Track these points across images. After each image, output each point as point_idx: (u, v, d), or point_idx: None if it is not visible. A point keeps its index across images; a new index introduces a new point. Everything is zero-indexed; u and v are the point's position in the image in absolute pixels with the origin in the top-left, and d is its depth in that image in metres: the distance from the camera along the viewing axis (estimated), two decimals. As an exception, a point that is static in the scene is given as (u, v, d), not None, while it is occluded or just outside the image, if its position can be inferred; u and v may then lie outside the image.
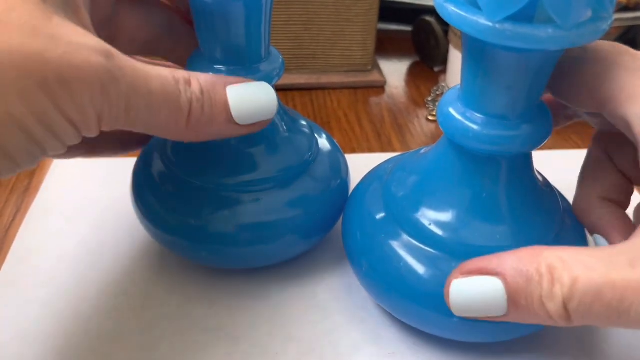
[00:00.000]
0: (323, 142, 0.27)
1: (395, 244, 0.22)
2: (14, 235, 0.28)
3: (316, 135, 0.27)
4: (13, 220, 0.30)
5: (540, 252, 0.17)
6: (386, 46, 0.49)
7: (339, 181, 0.26)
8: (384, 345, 0.24)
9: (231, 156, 0.24)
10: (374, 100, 0.42)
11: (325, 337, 0.24)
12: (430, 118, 0.40)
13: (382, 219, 0.23)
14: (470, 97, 0.20)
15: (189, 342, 0.24)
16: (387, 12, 0.50)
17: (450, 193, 0.22)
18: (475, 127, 0.20)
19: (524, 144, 0.20)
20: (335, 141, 0.28)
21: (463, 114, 0.20)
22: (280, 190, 0.24)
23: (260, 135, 0.23)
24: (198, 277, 0.27)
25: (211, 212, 0.24)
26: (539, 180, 0.23)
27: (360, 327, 0.25)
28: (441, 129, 0.21)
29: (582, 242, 0.23)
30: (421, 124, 0.40)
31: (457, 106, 0.21)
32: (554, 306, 0.17)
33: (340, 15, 0.41)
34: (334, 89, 0.43)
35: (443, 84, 0.44)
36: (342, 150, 0.28)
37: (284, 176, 0.24)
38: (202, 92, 0.19)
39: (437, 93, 0.43)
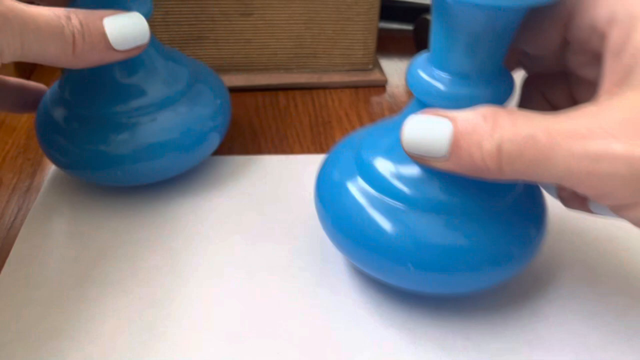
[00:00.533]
0: (201, 69, 0.32)
1: (363, 201, 0.23)
2: (16, 235, 0.29)
3: (193, 64, 0.32)
4: (14, 219, 0.30)
5: (496, 107, 0.19)
6: (387, 45, 0.49)
7: (220, 100, 0.31)
8: (384, 345, 0.24)
9: (120, 88, 0.28)
10: (375, 99, 0.42)
11: (326, 337, 0.24)
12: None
13: (353, 178, 0.24)
14: (437, 57, 0.21)
15: (191, 342, 0.24)
16: (388, 11, 0.50)
17: None
18: (440, 85, 0.21)
19: (486, 103, 0.20)
20: (211, 70, 0.33)
21: (430, 74, 0.22)
22: (167, 112, 0.29)
23: (143, 67, 0.28)
24: (198, 275, 0.27)
25: (114, 137, 0.28)
26: None
27: (360, 327, 0.25)
28: (410, 89, 0.22)
29: (539, 205, 0.25)
30: (422, 123, 0.40)
31: (425, 66, 0.22)
32: (488, 146, 0.18)
33: (341, 14, 0.41)
34: (335, 88, 0.43)
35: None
36: (217, 75, 0.34)
37: (169, 100, 0.29)
38: (81, 24, 0.23)
39: (439, 92, 0.43)
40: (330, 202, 0.25)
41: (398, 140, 0.21)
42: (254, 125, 0.38)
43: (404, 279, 0.23)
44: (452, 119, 0.19)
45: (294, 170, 0.34)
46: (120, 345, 0.24)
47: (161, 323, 0.25)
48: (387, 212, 0.23)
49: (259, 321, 0.25)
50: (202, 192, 0.32)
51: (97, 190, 0.32)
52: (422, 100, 0.22)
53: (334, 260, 0.28)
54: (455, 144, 0.19)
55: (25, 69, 0.42)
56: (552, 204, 0.25)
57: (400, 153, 0.22)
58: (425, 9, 0.51)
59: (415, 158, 0.21)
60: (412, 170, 0.22)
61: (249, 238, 0.29)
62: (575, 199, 0.23)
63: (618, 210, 0.19)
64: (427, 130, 0.20)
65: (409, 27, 0.50)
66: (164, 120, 0.28)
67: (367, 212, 0.23)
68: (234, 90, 0.42)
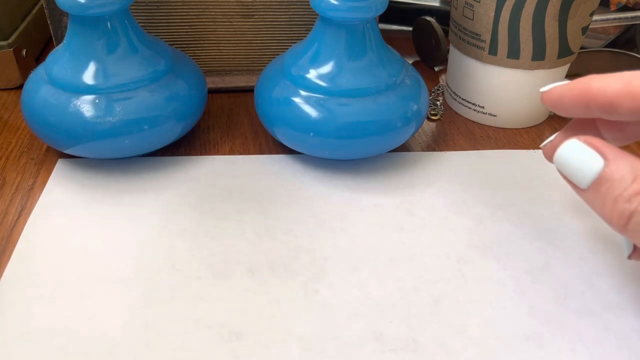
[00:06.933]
0: (180, 55, 0.35)
1: (295, 98, 0.31)
2: (19, 234, 0.29)
3: (174, 57, 0.34)
4: (18, 218, 0.30)
5: None
6: (387, 46, 0.49)
7: (190, 92, 0.34)
8: (385, 342, 0.24)
9: (107, 67, 0.31)
10: (374, 99, 0.42)
11: (327, 334, 0.24)
12: (431, 117, 0.40)
13: (284, 84, 0.32)
14: None
15: (194, 341, 0.24)
16: (387, 13, 0.51)
17: (327, 55, 0.31)
18: (334, 1, 0.29)
19: (369, 11, 0.30)
20: (195, 67, 0.36)
21: None
22: (151, 88, 0.32)
23: (122, 48, 0.31)
24: (200, 280, 0.27)
25: (105, 111, 0.31)
26: (383, 43, 0.33)
27: (361, 324, 0.25)
28: (315, 9, 0.30)
29: (418, 87, 0.33)
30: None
31: None
32: (622, 206, 0.18)
33: (341, 16, 0.42)
34: (335, 88, 0.44)
35: (443, 84, 0.44)
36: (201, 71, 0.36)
37: (153, 77, 0.32)
38: None
39: (438, 92, 0.43)
40: (272, 105, 0.32)
41: (312, 51, 0.31)
42: (255, 125, 0.38)
43: (330, 150, 0.32)
44: (606, 160, 0.20)
45: (294, 169, 0.34)
46: (124, 343, 0.24)
47: (164, 320, 0.25)
48: (314, 102, 0.31)
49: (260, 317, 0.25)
50: (202, 192, 0.32)
51: (99, 189, 0.32)
52: (324, 15, 0.30)
53: (333, 257, 0.28)
54: (596, 185, 0.19)
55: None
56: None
57: (314, 62, 0.31)
58: (424, 10, 0.51)
59: (560, 173, 0.22)
60: (327, 70, 0.31)
61: (249, 236, 0.29)
62: None
63: None
64: (579, 159, 0.20)
65: (408, 29, 0.51)
66: (146, 96, 0.32)
67: (300, 106, 0.31)
68: (235, 90, 0.42)
